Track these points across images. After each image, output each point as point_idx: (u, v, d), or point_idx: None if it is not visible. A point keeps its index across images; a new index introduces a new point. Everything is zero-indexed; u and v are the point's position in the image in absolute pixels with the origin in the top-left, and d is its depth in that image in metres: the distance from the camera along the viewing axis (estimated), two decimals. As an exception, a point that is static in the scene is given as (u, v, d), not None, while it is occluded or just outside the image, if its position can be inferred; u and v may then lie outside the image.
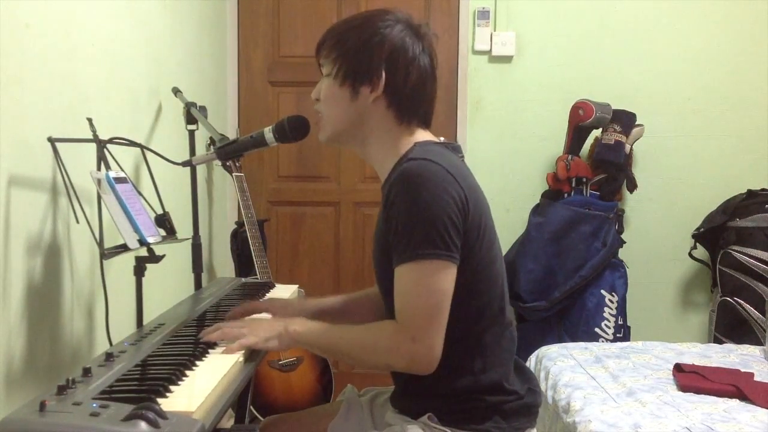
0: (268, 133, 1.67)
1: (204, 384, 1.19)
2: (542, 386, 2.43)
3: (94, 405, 1.03)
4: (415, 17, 1.50)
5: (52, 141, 1.53)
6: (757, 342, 3.03)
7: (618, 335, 3.20)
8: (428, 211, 1.32)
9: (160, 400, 1.08)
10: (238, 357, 1.35)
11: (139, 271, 1.71)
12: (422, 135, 1.49)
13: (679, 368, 2.38)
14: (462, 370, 1.41)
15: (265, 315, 1.64)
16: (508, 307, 1.51)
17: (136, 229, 1.58)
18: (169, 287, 2.49)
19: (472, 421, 1.42)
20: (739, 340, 3.13)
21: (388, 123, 1.46)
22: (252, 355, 1.45)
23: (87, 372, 1.19)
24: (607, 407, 2.08)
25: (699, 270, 3.55)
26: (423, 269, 1.32)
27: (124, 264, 1.74)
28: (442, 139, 1.53)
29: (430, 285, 1.32)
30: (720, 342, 3.17)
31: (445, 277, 1.33)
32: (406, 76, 1.44)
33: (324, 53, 1.49)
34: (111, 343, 1.66)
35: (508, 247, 3.34)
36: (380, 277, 1.50)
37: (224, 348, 1.38)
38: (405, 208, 1.33)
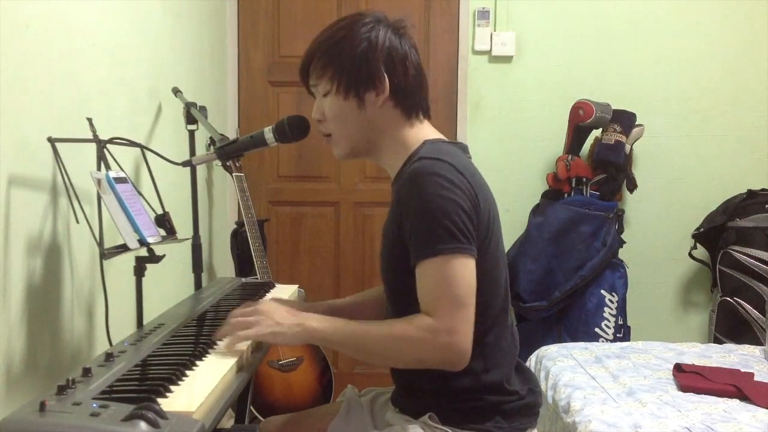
0: (268, 133, 1.67)
1: (204, 384, 1.19)
2: (542, 386, 2.43)
3: (94, 405, 1.03)
4: (391, 16, 1.50)
5: (52, 141, 1.53)
6: (757, 342, 3.03)
7: (618, 335, 3.20)
8: (444, 206, 1.32)
9: (160, 400, 1.08)
10: (240, 354, 1.35)
11: (139, 271, 1.71)
12: (429, 130, 1.50)
13: (679, 368, 2.38)
14: (464, 370, 1.40)
15: None
16: (509, 307, 1.51)
17: (136, 229, 1.58)
18: (169, 287, 2.49)
19: (473, 421, 1.42)
20: (739, 340, 3.13)
21: (398, 122, 1.48)
22: (257, 346, 1.45)
23: (87, 372, 1.19)
24: (607, 407, 2.08)
25: (699, 270, 3.55)
26: (446, 263, 1.32)
27: (124, 264, 1.74)
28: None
29: (455, 277, 1.32)
30: (720, 342, 3.17)
31: (468, 268, 1.33)
32: (405, 71, 1.45)
33: (316, 74, 1.48)
34: (111, 343, 1.66)
35: (508, 247, 3.34)
36: (384, 270, 1.50)
37: (228, 341, 1.38)
38: (420, 206, 1.33)
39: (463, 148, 1.52)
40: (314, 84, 1.50)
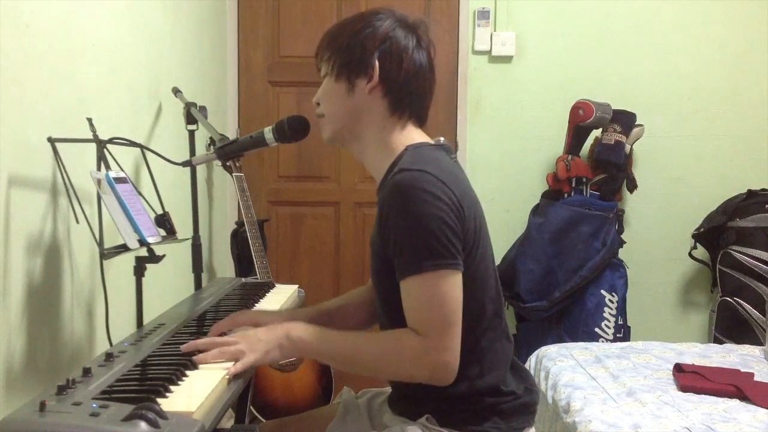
0: (268, 133, 1.67)
1: (204, 384, 1.19)
2: (542, 386, 2.43)
3: (94, 405, 1.03)
4: (412, 16, 1.50)
5: (52, 141, 1.53)
6: (757, 342, 3.03)
7: (618, 335, 3.20)
8: (427, 222, 1.31)
9: (160, 400, 1.08)
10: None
11: (139, 271, 1.71)
12: (415, 134, 1.48)
13: (679, 368, 2.38)
14: (459, 376, 1.38)
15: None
16: (503, 309, 1.51)
17: (136, 229, 1.58)
18: (169, 287, 2.49)
19: (471, 422, 1.42)
20: (739, 340, 3.13)
21: (383, 115, 1.45)
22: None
23: (87, 372, 1.19)
24: (607, 407, 2.08)
25: (699, 270, 3.55)
26: (431, 280, 1.31)
27: (124, 264, 1.74)
28: (441, 139, 1.52)
29: (442, 295, 1.32)
30: (720, 342, 3.18)
31: (454, 284, 1.33)
32: (400, 63, 1.43)
33: (320, 56, 1.50)
34: (111, 343, 1.66)
35: (508, 247, 3.34)
36: (376, 282, 1.50)
37: (226, 367, 1.29)
38: (402, 222, 1.33)
39: (447, 150, 1.50)
40: (319, 66, 1.51)
